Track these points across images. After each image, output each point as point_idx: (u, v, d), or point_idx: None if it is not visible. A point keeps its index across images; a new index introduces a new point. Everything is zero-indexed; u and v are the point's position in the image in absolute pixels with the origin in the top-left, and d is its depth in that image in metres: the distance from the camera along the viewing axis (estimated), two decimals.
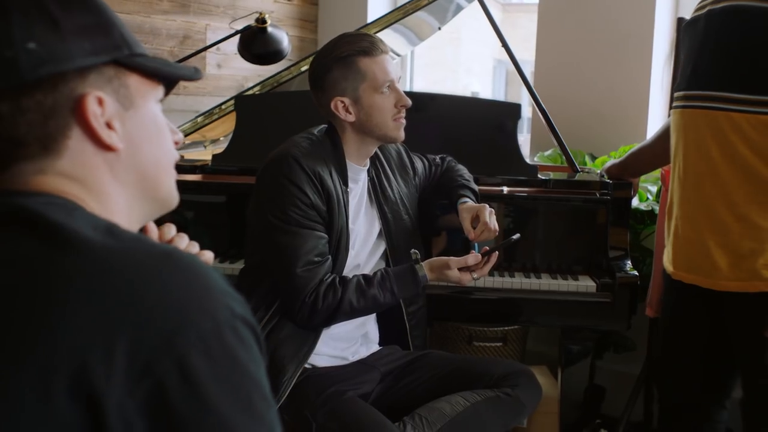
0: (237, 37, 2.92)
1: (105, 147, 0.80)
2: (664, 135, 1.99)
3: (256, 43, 2.92)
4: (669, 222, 1.84)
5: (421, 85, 4.25)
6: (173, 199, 0.90)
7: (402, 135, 1.86)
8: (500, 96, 12.88)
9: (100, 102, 0.78)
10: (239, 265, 2.19)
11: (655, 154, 2.12)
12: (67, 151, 0.78)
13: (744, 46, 1.61)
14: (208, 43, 3.30)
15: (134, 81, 0.83)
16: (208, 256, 1.00)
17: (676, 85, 1.83)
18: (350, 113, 1.80)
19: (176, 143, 0.91)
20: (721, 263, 1.68)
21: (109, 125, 0.80)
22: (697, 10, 1.77)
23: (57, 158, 0.78)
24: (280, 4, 3.70)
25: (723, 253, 1.67)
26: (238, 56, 2.95)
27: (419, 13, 2.63)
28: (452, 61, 11.44)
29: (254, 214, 1.81)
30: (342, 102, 1.80)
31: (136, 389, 0.64)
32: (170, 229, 1.00)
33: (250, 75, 3.54)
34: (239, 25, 2.93)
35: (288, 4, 3.74)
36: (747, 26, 1.59)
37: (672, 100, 1.83)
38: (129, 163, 0.83)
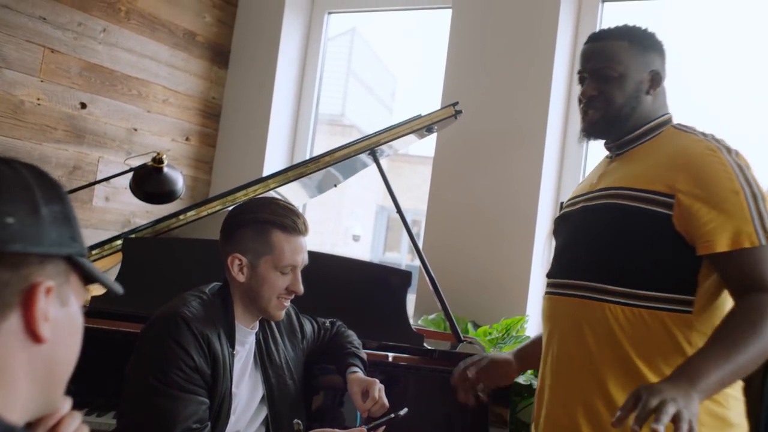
0: (130, 173, 2.89)
1: (35, 338, 0.78)
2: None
3: (150, 182, 2.89)
4: (540, 408, 1.82)
5: None
6: (60, 405, 0.88)
7: (281, 316, 1.86)
8: (380, 241, 13.28)
9: (48, 292, 0.78)
10: (107, 420, 2.06)
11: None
12: None
13: (619, 241, 1.69)
14: (99, 175, 3.24)
15: (74, 279, 0.84)
16: None
17: (548, 272, 1.88)
18: (242, 273, 1.79)
19: None
20: None
21: (45, 317, 0.79)
22: (568, 206, 1.86)
23: None
24: (178, 143, 3.69)
25: None
26: (128, 191, 2.90)
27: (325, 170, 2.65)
28: (336, 203, 11.62)
29: (133, 372, 1.71)
30: (239, 260, 1.78)
31: None
32: (75, 420, 0.94)
33: (138, 210, 3.47)
34: (135, 162, 2.90)
35: (185, 144, 3.74)
36: (622, 223, 1.68)
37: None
38: (45, 358, 0.80)
